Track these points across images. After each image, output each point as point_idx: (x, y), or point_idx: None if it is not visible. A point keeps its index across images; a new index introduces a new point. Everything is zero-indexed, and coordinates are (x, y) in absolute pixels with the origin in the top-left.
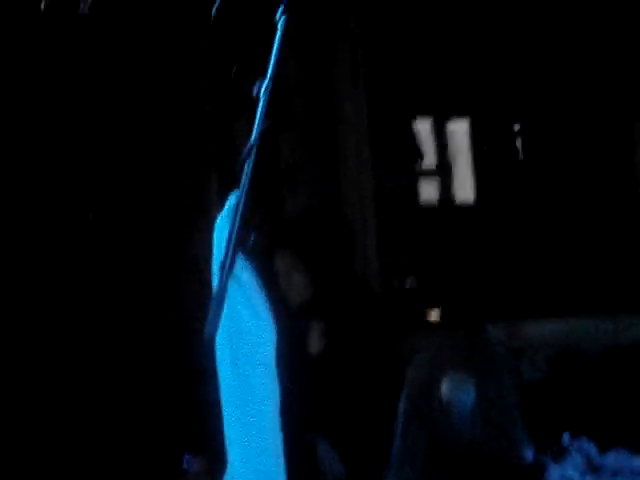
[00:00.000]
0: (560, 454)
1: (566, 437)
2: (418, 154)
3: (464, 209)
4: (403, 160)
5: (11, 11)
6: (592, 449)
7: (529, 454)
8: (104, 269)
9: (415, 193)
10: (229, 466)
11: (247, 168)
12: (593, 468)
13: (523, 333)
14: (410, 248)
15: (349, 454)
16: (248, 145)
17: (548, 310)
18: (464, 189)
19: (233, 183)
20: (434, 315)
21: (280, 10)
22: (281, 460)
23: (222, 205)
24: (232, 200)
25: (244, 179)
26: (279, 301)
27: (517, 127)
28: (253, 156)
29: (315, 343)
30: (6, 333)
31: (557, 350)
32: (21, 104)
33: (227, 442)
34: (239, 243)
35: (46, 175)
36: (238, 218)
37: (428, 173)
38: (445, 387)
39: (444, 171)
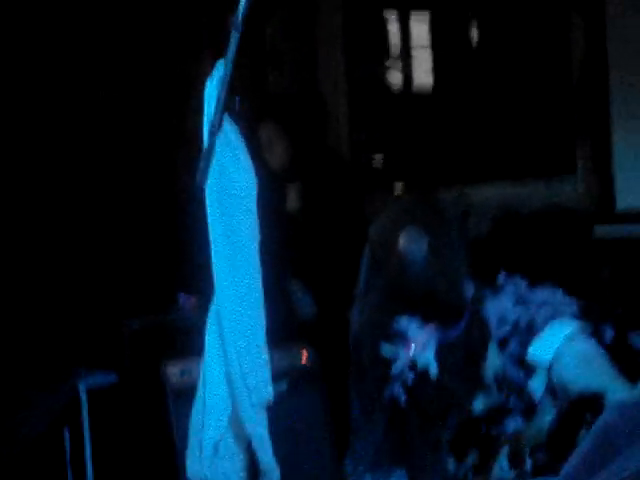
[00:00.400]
0: (497, 290)
1: (502, 276)
2: (385, 43)
3: (423, 93)
4: (372, 46)
5: None
6: (523, 285)
7: (470, 292)
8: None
9: (382, 78)
10: (215, 301)
11: (234, 41)
12: (523, 301)
13: (470, 196)
14: (378, 127)
15: (320, 296)
16: (236, 21)
17: (491, 177)
18: (424, 75)
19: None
20: (398, 186)
21: None
22: (261, 297)
23: (212, 73)
24: (220, 69)
25: (231, 50)
26: (262, 164)
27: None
28: (240, 30)
29: (292, 201)
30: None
31: (498, 210)
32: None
33: (215, 281)
34: (227, 107)
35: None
36: (226, 84)
37: (394, 58)
38: (402, 240)
39: (407, 59)
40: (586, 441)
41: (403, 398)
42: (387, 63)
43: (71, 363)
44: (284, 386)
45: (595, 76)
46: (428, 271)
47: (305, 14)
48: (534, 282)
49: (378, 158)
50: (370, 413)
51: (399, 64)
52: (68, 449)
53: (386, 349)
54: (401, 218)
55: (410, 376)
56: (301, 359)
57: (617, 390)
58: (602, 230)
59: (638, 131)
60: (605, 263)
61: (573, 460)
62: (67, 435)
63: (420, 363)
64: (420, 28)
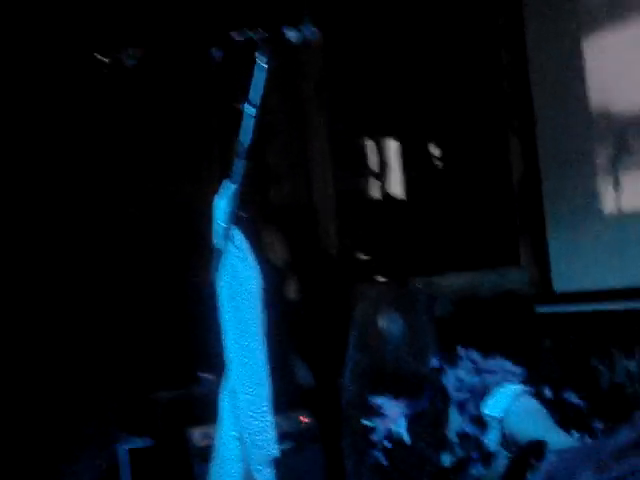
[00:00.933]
0: (455, 361)
1: (460, 349)
2: (366, 163)
3: (398, 202)
4: (355, 166)
5: None
6: (478, 357)
7: (435, 363)
8: (128, 246)
9: (364, 190)
10: (228, 376)
11: (240, 165)
12: (477, 370)
13: (435, 283)
14: (361, 230)
15: (316, 370)
16: (241, 148)
17: (452, 269)
18: (397, 188)
19: (229, 176)
20: (377, 277)
21: (262, 59)
22: (267, 371)
23: (219, 191)
24: (226, 187)
25: (237, 173)
26: (265, 262)
27: (433, 146)
28: (245, 156)
29: (291, 291)
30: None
31: (459, 295)
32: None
33: (228, 360)
34: (235, 218)
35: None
36: (235, 200)
37: (372, 175)
38: (382, 322)
39: (383, 175)
40: None
41: (384, 461)
42: (368, 180)
43: (113, 430)
44: (287, 445)
45: (531, 190)
46: (403, 348)
47: (299, 140)
48: (487, 354)
49: (361, 256)
50: (360, 466)
51: (377, 180)
52: None
53: (367, 422)
54: (380, 303)
55: (388, 444)
56: (301, 422)
57: (556, 439)
58: (542, 309)
59: (568, 230)
60: (545, 336)
61: None
62: None
63: (395, 433)
64: (393, 152)
